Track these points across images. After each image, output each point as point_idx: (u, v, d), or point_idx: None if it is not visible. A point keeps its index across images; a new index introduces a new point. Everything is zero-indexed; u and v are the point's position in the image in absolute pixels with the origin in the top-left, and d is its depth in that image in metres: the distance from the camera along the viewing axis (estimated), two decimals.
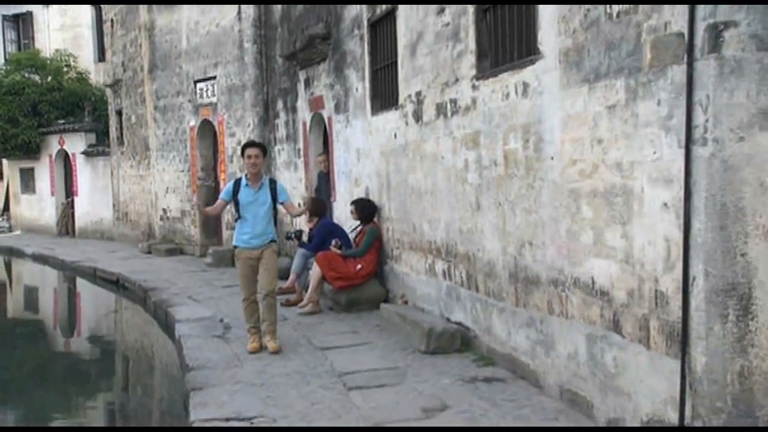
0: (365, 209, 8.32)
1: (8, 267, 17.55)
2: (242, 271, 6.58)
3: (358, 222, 8.38)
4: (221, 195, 6.81)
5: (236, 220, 6.63)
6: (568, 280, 4.63)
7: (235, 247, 6.63)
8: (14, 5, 23.96)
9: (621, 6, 3.97)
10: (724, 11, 3.34)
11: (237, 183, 6.56)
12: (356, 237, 8.42)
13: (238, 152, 13.30)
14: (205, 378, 5.76)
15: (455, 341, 6.18)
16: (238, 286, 6.94)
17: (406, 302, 7.55)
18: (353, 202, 8.48)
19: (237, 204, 6.49)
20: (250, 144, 6.77)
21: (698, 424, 3.54)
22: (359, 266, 8.03)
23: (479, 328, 6.00)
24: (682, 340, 3.59)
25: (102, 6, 19.04)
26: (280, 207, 6.73)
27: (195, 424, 4.72)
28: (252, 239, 6.48)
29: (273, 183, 6.65)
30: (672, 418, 3.71)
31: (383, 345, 6.57)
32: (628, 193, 3.99)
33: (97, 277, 13.37)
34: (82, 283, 13.77)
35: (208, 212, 7.18)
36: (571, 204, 4.54)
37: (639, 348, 3.96)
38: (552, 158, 4.74)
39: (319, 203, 9.07)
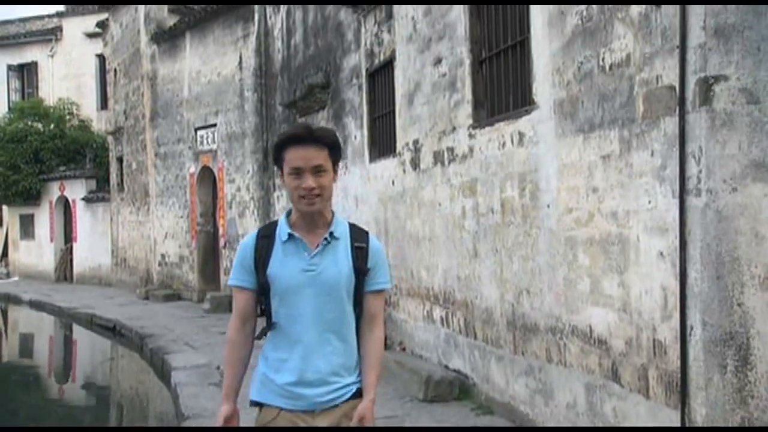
0: None
1: (5, 314, 17.43)
2: None
3: None
4: (231, 279, 2.66)
5: (260, 336, 2.68)
6: (566, 328, 4.63)
7: (256, 404, 2.73)
8: (18, 52, 24.38)
9: (613, 59, 4.06)
10: (714, 65, 3.42)
11: (264, 236, 2.63)
12: None
13: (238, 198, 13.65)
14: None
15: (453, 389, 6.13)
16: None
17: (404, 349, 7.51)
18: None
19: (265, 289, 2.58)
20: (299, 136, 2.52)
21: None
22: None
23: (478, 375, 5.96)
24: (681, 391, 3.58)
25: (106, 56, 19.33)
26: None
27: None
28: (300, 386, 2.56)
29: (361, 235, 2.65)
30: None
31: (381, 393, 6.46)
32: (624, 241, 4.01)
33: (93, 323, 13.26)
34: (78, 330, 13.66)
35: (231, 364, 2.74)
36: (568, 252, 4.56)
37: (638, 398, 3.94)
38: (548, 206, 4.78)
39: None
